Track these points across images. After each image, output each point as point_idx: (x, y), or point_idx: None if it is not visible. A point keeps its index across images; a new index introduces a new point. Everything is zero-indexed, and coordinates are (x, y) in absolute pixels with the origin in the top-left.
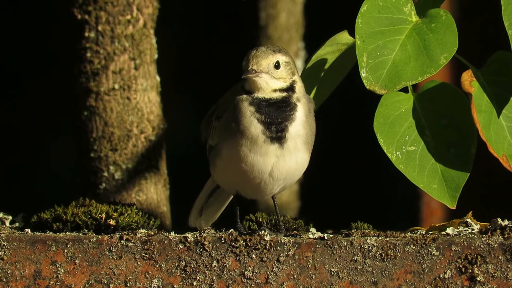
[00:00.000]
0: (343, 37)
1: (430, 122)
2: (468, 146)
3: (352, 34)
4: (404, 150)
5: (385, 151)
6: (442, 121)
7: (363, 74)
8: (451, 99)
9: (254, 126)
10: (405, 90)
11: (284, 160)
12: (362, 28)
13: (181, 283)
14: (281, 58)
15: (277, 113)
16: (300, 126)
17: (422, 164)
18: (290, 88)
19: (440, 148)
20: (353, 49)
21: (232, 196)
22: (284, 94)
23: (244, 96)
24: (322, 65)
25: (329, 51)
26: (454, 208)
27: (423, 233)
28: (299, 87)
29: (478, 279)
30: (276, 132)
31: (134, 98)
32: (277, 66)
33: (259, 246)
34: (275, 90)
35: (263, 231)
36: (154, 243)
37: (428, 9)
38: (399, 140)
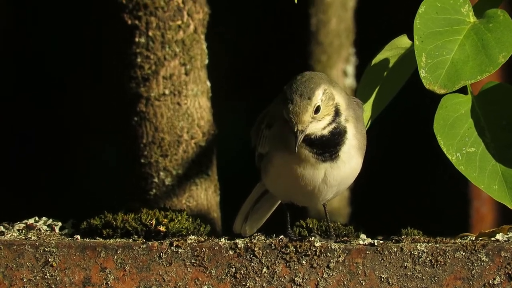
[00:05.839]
0: (403, 41)
1: (490, 123)
2: None
3: (411, 38)
4: (464, 152)
5: (445, 152)
6: (501, 122)
7: (422, 74)
8: (510, 99)
9: (305, 154)
10: (463, 92)
11: (338, 168)
12: (420, 29)
13: None
14: (318, 98)
15: (329, 143)
16: (352, 140)
17: (483, 165)
18: (336, 113)
19: (500, 149)
20: (413, 53)
21: (279, 202)
22: (333, 125)
23: None
24: (382, 70)
25: (388, 55)
26: None
27: (473, 239)
28: (342, 102)
29: None
30: (330, 156)
31: (185, 104)
32: (317, 110)
33: (309, 252)
34: (323, 128)
35: (313, 237)
36: (204, 249)
37: (486, 10)
38: (459, 141)
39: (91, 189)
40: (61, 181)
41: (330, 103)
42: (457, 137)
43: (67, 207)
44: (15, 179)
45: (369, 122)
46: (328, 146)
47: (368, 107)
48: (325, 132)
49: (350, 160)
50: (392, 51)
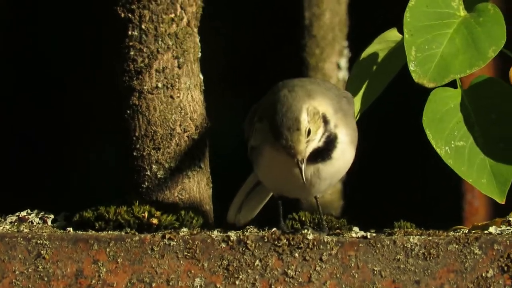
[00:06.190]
0: (392, 35)
1: (479, 117)
2: None
3: (400, 31)
4: (453, 145)
5: (434, 146)
6: (491, 116)
7: (411, 67)
8: (500, 94)
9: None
10: (453, 86)
11: (332, 165)
12: (410, 22)
13: (223, 282)
14: (306, 123)
15: (322, 151)
16: (344, 139)
17: (471, 159)
18: (325, 122)
19: (489, 143)
20: (403, 47)
21: (272, 193)
22: (326, 134)
23: None
24: (371, 64)
25: (378, 48)
26: (503, 202)
27: (466, 232)
28: (328, 109)
29: None
30: (323, 159)
31: (178, 97)
32: (308, 133)
33: (302, 245)
34: (319, 141)
35: (306, 230)
36: (196, 242)
37: (476, 4)
38: (448, 135)
39: (91, 189)
40: (61, 181)
41: (317, 117)
42: (446, 131)
43: (67, 207)
44: (15, 179)
45: (358, 115)
46: (321, 154)
47: (357, 100)
48: (320, 144)
49: (343, 155)
50: (381, 44)
